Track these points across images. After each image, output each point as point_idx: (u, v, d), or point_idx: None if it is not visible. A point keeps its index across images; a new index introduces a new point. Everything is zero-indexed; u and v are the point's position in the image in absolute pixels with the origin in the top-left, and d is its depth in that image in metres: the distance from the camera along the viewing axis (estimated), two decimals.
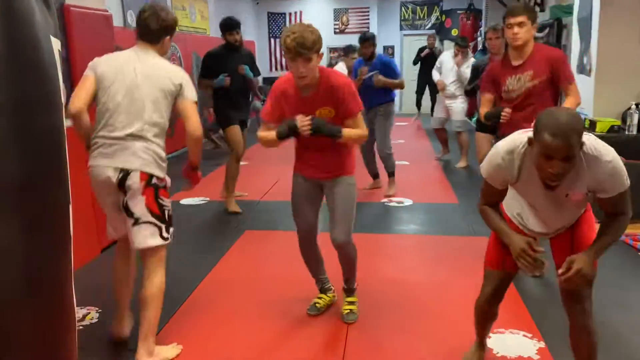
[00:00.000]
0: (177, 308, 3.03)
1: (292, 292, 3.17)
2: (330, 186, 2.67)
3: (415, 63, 10.55)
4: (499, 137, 3.05)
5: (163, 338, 2.67)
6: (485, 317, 2.27)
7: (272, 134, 2.56)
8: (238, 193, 5.04)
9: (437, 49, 10.44)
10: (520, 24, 2.98)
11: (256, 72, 4.79)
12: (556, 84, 3.09)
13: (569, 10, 6.30)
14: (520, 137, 1.88)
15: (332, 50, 12.59)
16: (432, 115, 10.55)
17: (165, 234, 2.44)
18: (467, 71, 6.04)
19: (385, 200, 5.08)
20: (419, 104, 10.91)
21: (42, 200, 1.47)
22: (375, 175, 5.44)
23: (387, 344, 2.63)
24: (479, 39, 10.22)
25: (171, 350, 2.57)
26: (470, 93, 5.21)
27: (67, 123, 1.66)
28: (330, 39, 12.58)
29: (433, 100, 10.66)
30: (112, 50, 4.13)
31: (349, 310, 2.88)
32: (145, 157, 2.37)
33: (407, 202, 5.06)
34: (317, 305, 2.96)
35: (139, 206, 2.38)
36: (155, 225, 2.41)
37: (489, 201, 2.06)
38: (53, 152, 1.52)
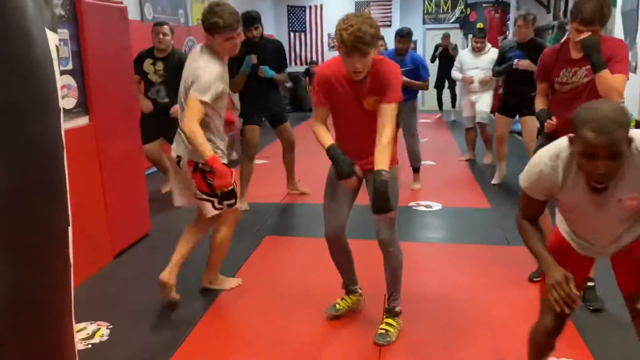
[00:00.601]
0: (201, 317, 2.90)
1: (316, 303, 2.96)
2: (371, 178, 2.43)
3: (432, 61, 10.34)
4: (545, 137, 2.84)
5: (188, 345, 2.64)
6: (542, 349, 2.01)
7: (325, 142, 2.45)
8: (302, 189, 5.06)
9: (453, 45, 10.28)
10: (592, 33, 2.67)
11: (283, 65, 4.52)
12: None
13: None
14: (564, 141, 1.69)
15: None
16: (452, 108, 10.47)
17: (218, 206, 2.89)
18: (486, 62, 5.86)
19: (412, 204, 4.81)
20: (440, 102, 10.64)
21: (35, 222, 1.24)
22: None
23: None
24: (508, 33, 9.84)
25: (231, 282, 3.25)
26: (498, 74, 5.06)
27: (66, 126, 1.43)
28: None
29: (453, 95, 10.50)
30: (127, 46, 3.98)
31: (384, 331, 2.60)
32: (190, 147, 2.73)
33: (436, 206, 4.78)
34: (337, 306, 2.81)
35: (193, 186, 2.86)
36: (208, 200, 2.86)
37: (528, 215, 1.83)
38: (47, 164, 1.28)
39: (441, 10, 12.48)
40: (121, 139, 3.76)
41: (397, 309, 2.67)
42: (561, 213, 1.88)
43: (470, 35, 11.96)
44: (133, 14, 5.86)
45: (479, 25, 11.39)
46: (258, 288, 3.25)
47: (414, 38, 12.39)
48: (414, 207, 4.74)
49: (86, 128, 3.39)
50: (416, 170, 5.27)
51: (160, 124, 4.58)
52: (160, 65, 4.60)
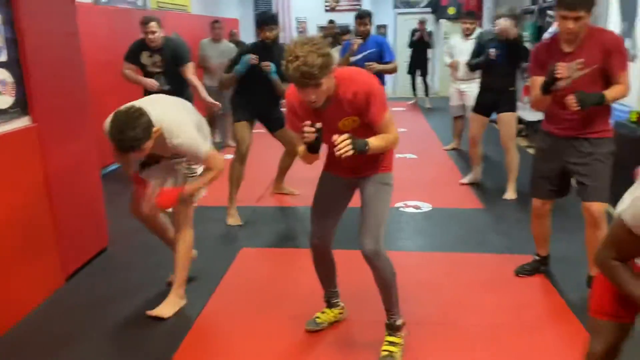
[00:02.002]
0: (179, 344, 2.56)
1: (299, 321, 2.68)
2: (363, 184, 2.34)
3: (410, 46, 10.02)
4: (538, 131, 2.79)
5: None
6: None
7: (302, 148, 2.18)
8: (289, 190, 4.75)
9: (428, 30, 10.09)
10: (577, 19, 2.52)
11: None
12: (607, 72, 2.61)
13: None
14: None
15: (321, 28, 11.78)
16: (426, 96, 10.17)
17: None
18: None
19: (400, 204, 4.43)
20: (414, 87, 10.37)
21: None
22: None
23: None
24: (484, 19, 9.55)
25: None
26: (474, 68, 4.71)
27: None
28: (319, 18, 11.78)
29: (425, 82, 10.19)
30: (75, 32, 3.43)
31: (387, 353, 2.37)
32: None
33: (426, 207, 4.41)
34: (317, 320, 2.64)
35: None
36: None
37: (623, 255, 1.49)
38: None
39: None
40: (71, 141, 3.23)
41: (397, 322, 2.42)
42: None
43: (442, 20, 11.70)
44: None
45: (451, 10, 11.08)
46: (238, 305, 2.89)
47: (384, 22, 12.12)
48: (401, 209, 4.36)
49: (27, 130, 2.85)
50: None
51: None
52: (157, 57, 4.58)
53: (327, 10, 11.86)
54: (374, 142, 2.11)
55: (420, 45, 9.98)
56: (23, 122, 2.86)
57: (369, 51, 4.55)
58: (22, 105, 2.85)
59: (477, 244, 3.66)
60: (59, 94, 3.13)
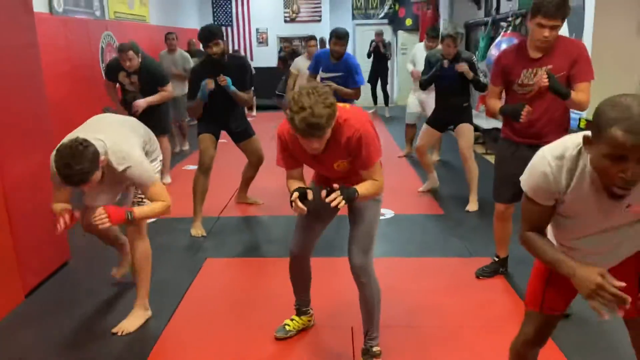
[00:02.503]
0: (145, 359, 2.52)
1: (268, 329, 2.69)
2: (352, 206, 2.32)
3: (368, 57, 10.22)
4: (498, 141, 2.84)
5: None
6: None
7: (294, 194, 2.08)
8: (253, 200, 4.80)
9: (386, 41, 10.28)
10: (553, 27, 2.60)
11: (246, 84, 4.05)
12: (572, 80, 2.71)
13: None
14: (570, 139, 1.54)
15: (282, 39, 11.89)
16: (386, 106, 10.36)
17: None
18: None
19: None
20: (374, 96, 10.55)
21: None
22: None
23: None
24: (441, 29, 9.82)
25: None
26: (426, 84, 4.73)
27: None
28: (280, 28, 11.88)
29: (385, 94, 10.38)
30: (34, 44, 3.37)
31: None
32: None
33: (388, 213, 4.50)
34: (286, 327, 2.65)
35: None
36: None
37: (533, 224, 1.62)
38: None
39: (370, 6, 12.35)
40: (29, 154, 3.16)
41: (374, 349, 2.37)
42: (556, 221, 1.66)
43: (399, 31, 11.97)
44: (40, 6, 5.15)
45: (408, 21, 11.36)
46: (205, 316, 2.86)
47: None
48: None
49: None
50: None
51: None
52: (134, 78, 4.80)
53: (286, 21, 11.95)
54: (363, 190, 2.10)
55: (380, 56, 10.18)
56: None
57: (339, 74, 4.47)
58: None
59: (438, 249, 3.76)
60: (17, 106, 3.07)
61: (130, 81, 4.81)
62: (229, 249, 3.86)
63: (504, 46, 5.78)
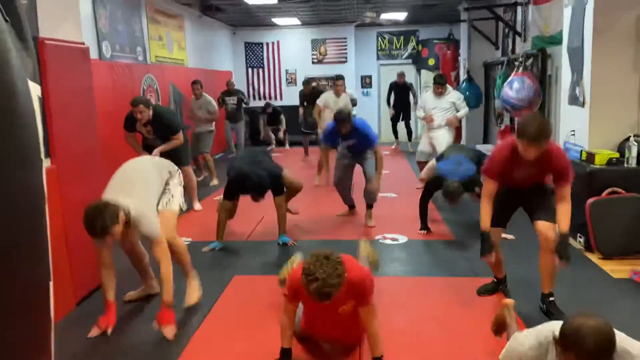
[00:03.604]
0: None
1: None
2: None
3: (388, 103, 10.81)
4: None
5: None
6: None
7: (284, 338, 2.63)
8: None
9: (409, 83, 10.77)
10: (539, 148, 2.90)
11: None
12: (554, 180, 3.10)
13: (552, 41, 6.28)
14: (545, 328, 1.84)
15: (306, 81, 12.50)
16: (409, 140, 10.77)
17: None
18: (447, 103, 6.47)
19: (379, 237, 4.85)
20: (395, 132, 10.96)
21: (17, 277, 1.19)
22: (351, 206, 5.68)
23: None
24: (459, 67, 10.23)
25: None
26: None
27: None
28: (308, 69, 12.49)
29: (408, 129, 10.80)
30: (90, 87, 3.92)
31: None
32: None
33: (402, 239, 4.84)
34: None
35: None
36: None
37: None
38: (31, 219, 1.24)
39: (394, 47, 12.89)
40: (84, 181, 3.66)
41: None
42: None
43: (422, 71, 12.44)
44: (91, 53, 5.78)
45: (431, 61, 11.82)
46: (231, 327, 3.20)
47: (369, 73, 12.85)
48: (380, 241, 4.78)
49: (48, 171, 3.28)
50: (369, 207, 5.28)
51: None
52: (149, 127, 5.38)
53: (314, 63, 12.57)
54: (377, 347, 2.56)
55: (402, 91, 10.61)
56: (45, 163, 3.30)
57: (353, 142, 5.07)
58: (45, 149, 3.30)
59: (446, 270, 4.07)
60: (75, 141, 3.59)
61: (147, 130, 5.39)
62: (256, 270, 4.23)
63: (515, 85, 6.18)
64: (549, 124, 3.03)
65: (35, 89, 1.30)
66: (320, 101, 7.62)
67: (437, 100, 6.49)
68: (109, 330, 3.10)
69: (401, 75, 10.66)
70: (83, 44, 3.78)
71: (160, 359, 2.91)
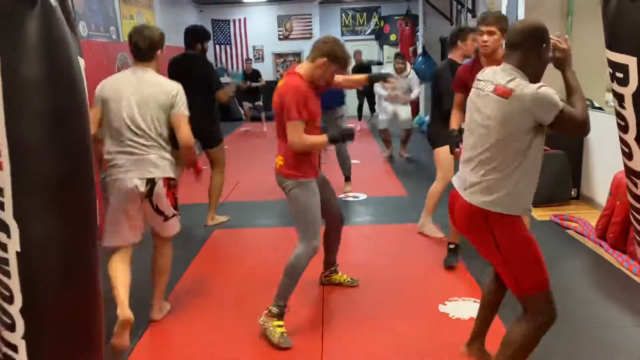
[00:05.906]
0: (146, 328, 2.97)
1: (270, 289, 2.99)
2: (322, 176, 3.07)
3: (353, 71, 11.15)
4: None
5: (144, 342, 2.83)
6: None
7: (322, 138, 2.78)
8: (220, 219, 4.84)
9: (366, 61, 10.96)
10: (489, 33, 3.10)
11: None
12: None
13: None
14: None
15: (277, 55, 12.96)
16: (371, 113, 11.35)
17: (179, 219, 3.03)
18: (407, 81, 7.09)
19: (342, 195, 5.47)
20: (360, 112, 11.40)
21: (77, 198, 1.72)
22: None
23: (364, 326, 2.98)
24: (418, 43, 10.82)
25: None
26: None
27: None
28: (274, 45, 12.91)
29: (372, 109, 11.36)
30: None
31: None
32: (162, 165, 2.79)
33: (362, 196, 5.48)
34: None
35: (166, 205, 2.85)
36: (176, 215, 2.95)
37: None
38: (84, 155, 1.77)
39: (357, 23, 13.39)
40: None
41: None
42: (534, 159, 2.12)
43: (385, 46, 13.00)
44: None
45: (393, 36, 12.39)
46: (212, 280, 3.62)
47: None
48: (343, 199, 5.40)
49: None
50: (347, 179, 5.64)
51: None
52: None
53: (280, 39, 13.00)
54: None
55: (363, 70, 11.10)
56: None
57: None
58: None
59: (397, 219, 4.74)
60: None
61: None
62: (235, 225, 4.74)
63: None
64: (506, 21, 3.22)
65: (82, 63, 1.81)
66: None
67: (398, 80, 7.05)
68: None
69: (358, 52, 10.97)
70: None
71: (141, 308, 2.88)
